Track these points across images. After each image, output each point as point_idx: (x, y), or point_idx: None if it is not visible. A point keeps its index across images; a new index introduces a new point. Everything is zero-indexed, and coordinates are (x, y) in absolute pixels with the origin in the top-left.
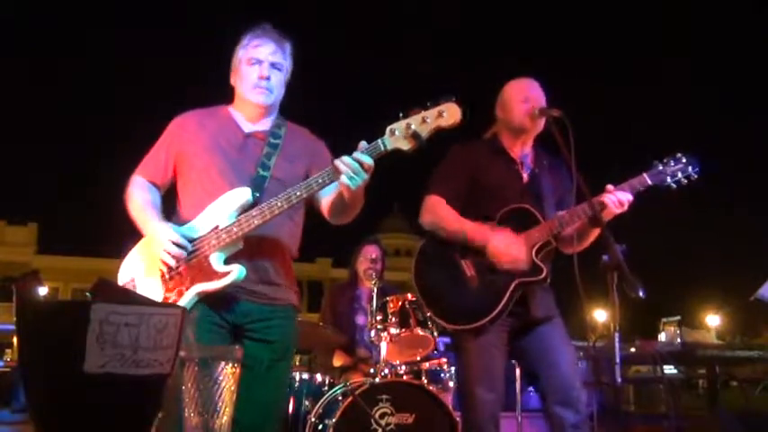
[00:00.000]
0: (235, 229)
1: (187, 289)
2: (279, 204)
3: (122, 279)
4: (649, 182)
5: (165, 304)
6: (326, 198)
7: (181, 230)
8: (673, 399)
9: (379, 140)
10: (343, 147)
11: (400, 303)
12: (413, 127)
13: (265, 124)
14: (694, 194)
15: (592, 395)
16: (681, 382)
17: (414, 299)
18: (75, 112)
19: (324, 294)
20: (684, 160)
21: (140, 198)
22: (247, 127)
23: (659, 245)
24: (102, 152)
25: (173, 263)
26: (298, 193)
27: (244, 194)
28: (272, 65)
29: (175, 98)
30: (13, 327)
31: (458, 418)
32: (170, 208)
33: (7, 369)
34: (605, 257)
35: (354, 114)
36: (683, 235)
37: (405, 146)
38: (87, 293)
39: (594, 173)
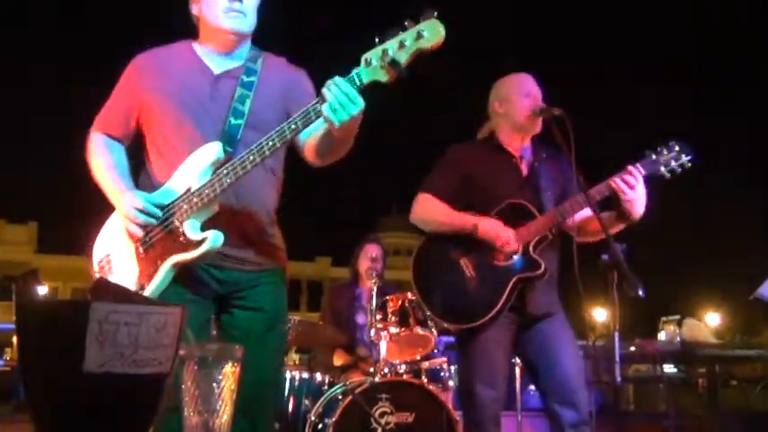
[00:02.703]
0: (207, 191)
1: (162, 261)
2: (251, 159)
3: (97, 255)
4: (643, 171)
5: (164, 303)
6: (309, 139)
7: (150, 198)
8: (672, 398)
9: (354, 73)
10: (319, 78)
11: (400, 302)
12: (390, 53)
13: (238, 58)
14: (694, 194)
15: (591, 394)
16: (680, 381)
17: (413, 298)
18: (76, 112)
19: (323, 294)
20: (678, 148)
21: (103, 161)
22: (218, 65)
23: (659, 244)
24: None
25: (140, 233)
26: (270, 144)
27: (213, 150)
28: None
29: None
30: (12, 326)
31: (458, 418)
32: (138, 162)
33: (7, 368)
34: (605, 256)
35: (334, 35)
36: (682, 235)
37: (382, 77)
38: (88, 295)
39: (592, 168)
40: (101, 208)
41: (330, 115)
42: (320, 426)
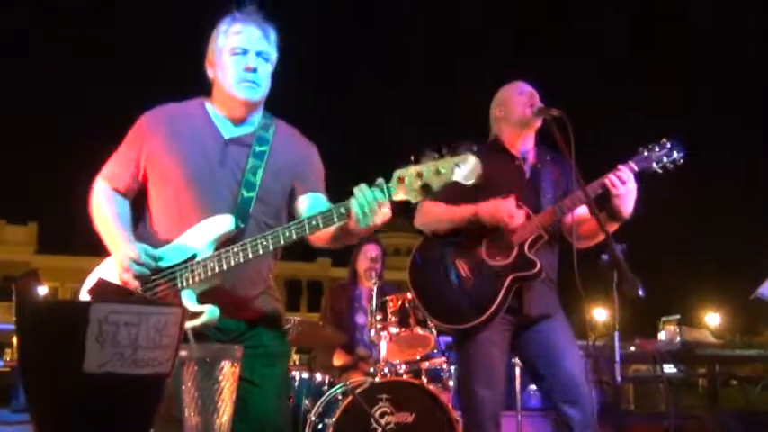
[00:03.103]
0: (213, 265)
1: None
2: (264, 244)
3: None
4: (636, 168)
5: (164, 303)
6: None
7: (150, 252)
8: (672, 398)
9: (385, 186)
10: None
11: (400, 302)
12: (425, 177)
13: (250, 125)
14: (695, 194)
15: (591, 394)
16: (680, 381)
17: (413, 298)
18: (77, 112)
19: (323, 294)
20: (669, 145)
21: (106, 212)
22: (228, 130)
23: (659, 244)
24: (103, 151)
25: (134, 282)
26: (287, 234)
27: (226, 223)
28: (259, 54)
29: (177, 96)
30: (12, 326)
31: (457, 418)
32: (138, 212)
33: (7, 369)
34: (605, 256)
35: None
36: (682, 234)
37: (413, 198)
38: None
39: (587, 169)
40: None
41: (359, 218)
42: (320, 426)
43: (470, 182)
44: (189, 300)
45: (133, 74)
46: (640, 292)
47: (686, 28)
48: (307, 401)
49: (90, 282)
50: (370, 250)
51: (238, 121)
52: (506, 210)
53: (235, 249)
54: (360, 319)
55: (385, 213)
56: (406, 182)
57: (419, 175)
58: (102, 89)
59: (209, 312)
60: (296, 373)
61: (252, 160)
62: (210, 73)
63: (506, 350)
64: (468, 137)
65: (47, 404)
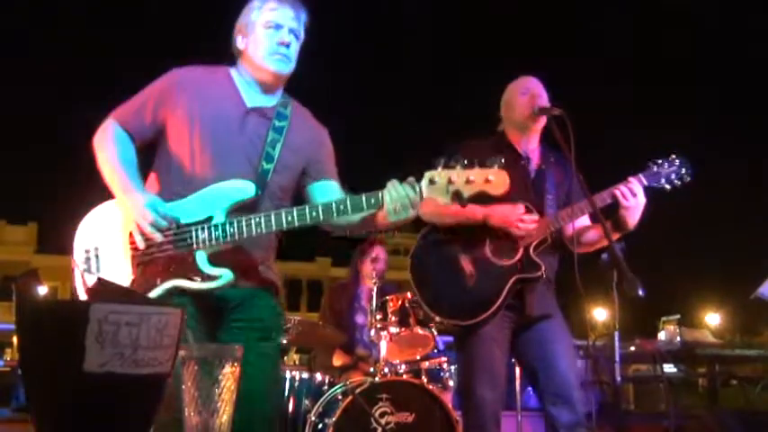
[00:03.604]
0: (233, 231)
1: (162, 281)
2: (289, 219)
3: (83, 243)
4: (645, 182)
5: (164, 303)
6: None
7: (168, 209)
8: (672, 398)
9: (417, 184)
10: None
11: (400, 302)
12: (456, 184)
13: (271, 99)
14: (695, 193)
15: (591, 394)
16: (680, 381)
17: (413, 298)
18: (77, 112)
19: (323, 293)
20: (678, 162)
21: (117, 152)
22: (251, 99)
23: (659, 244)
24: None
25: (143, 244)
26: (314, 214)
27: (247, 190)
28: (291, 31)
29: None
30: (12, 326)
31: (457, 418)
32: (144, 165)
33: (7, 369)
34: (605, 256)
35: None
36: (682, 234)
37: (443, 200)
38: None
39: (593, 172)
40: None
41: (390, 212)
42: (320, 426)
43: (498, 194)
44: (204, 260)
45: (133, 74)
46: (640, 292)
47: (690, 29)
48: (307, 401)
49: (94, 225)
50: (374, 251)
51: (263, 92)
52: (518, 217)
53: (257, 219)
54: (359, 318)
55: (414, 211)
56: (438, 184)
57: (450, 180)
58: (102, 89)
59: (225, 277)
60: (296, 373)
61: (272, 133)
62: (241, 43)
63: (507, 349)
64: (468, 137)
65: (47, 404)
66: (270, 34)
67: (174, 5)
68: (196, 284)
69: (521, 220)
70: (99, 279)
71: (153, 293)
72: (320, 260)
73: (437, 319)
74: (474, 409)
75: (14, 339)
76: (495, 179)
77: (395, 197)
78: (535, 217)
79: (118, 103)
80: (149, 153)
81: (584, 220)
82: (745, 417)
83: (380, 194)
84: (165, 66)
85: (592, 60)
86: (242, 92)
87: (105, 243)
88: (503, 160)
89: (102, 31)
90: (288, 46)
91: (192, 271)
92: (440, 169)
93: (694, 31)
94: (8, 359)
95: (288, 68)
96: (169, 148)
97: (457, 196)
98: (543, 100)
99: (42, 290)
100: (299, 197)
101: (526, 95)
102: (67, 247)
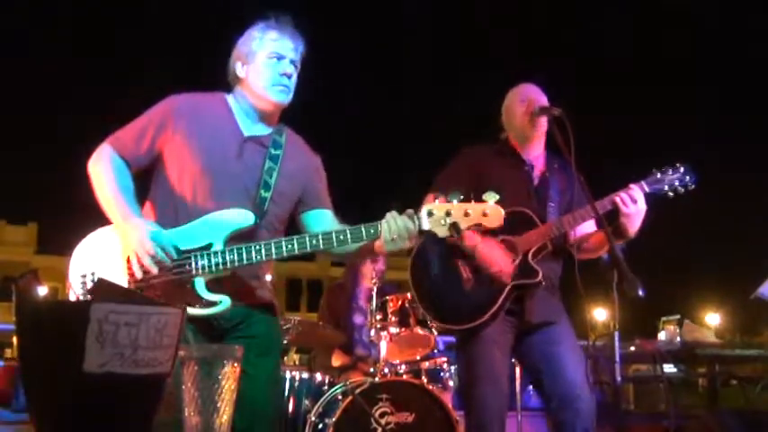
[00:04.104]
0: (233, 258)
1: None
2: (289, 247)
3: (79, 267)
4: (647, 189)
5: (164, 303)
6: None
7: (167, 237)
8: (672, 397)
9: (415, 216)
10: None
11: (400, 302)
12: (453, 216)
13: (267, 126)
14: (695, 194)
15: (591, 394)
16: (680, 381)
17: (413, 297)
18: (77, 112)
19: (322, 293)
20: (682, 170)
21: (115, 179)
22: (248, 128)
23: (659, 244)
24: None
25: (154, 270)
26: (314, 242)
27: (247, 218)
28: (291, 62)
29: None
30: (12, 326)
31: (458, 417)
32: (139, 192)
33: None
34: (605, 256)
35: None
36: (682, 234)
37: (440, 233)
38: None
39: (595, 176)
40: (101, 210)
41: (387, 242)
42: (320, 426)
43: (493, 227)
44: (202, 286)
45: (133, 74)
46: (640, 292)
47: (690, 29)
48: (307, 401)
49: (91, 249)
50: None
51: (261, 120)
52: (498, 267)
53: (257, 247)
54: (357, 319)
55: (410, 242)
56: (435, 216)
57: (447, 213)
58: (103, 89)
59: (224, 303)
60: (296, 373)
61: (268, 162)
62: (241, 72)
63: (508, 352)
64: (468, 141)
65: (47, 404)
66: (272, 65)
67: (175, 5)
68: (195, 311)
69: (499, 270)
70: (99, 279)
71: None
72: (320, 260)
73: (436, 323)
74: (475, 410)
75: (14, 339)
76: (491, 214)
77: (393, 228)
78: (508, 270)
79: (118, 104)
80: (145, 179)
81: (590, 226)
82: (745, 417)
83: (379, 225)
84: (166, 65)
85: (592, 60)
86: (239, 120)
87: (102, 269)
88: (498, 197)
89: (102, 32)
90: (290, 77)
91: (191, 297)
92: (437, 202)
93: (694, 31)
94: (8, 359)
95: (288, 99)
96: (167, 176)
97: (454, 228)
98: (541, 102)
99: (42, 290)
100: (292, 225)
101: (524, 103)
102: (67, 247)
